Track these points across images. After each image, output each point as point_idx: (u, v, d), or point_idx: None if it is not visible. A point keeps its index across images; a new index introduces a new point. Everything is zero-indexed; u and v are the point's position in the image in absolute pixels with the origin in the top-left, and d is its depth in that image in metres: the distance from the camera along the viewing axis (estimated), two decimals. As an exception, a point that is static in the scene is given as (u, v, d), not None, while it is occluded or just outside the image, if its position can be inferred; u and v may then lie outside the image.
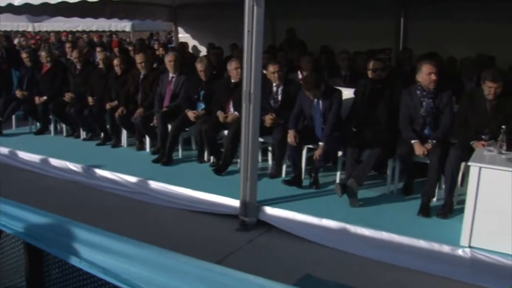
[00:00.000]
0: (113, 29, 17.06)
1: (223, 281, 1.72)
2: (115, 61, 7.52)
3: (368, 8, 9.30)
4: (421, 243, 4.28)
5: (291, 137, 5.51)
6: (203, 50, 10.92)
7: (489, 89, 4.85)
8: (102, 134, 7.57)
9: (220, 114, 6.23)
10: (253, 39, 4.54)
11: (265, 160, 6.47)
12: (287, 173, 5.90)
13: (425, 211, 4.88)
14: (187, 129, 6.70)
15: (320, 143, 5.49)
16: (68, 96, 7.72)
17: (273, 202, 5.05)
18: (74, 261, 1.96)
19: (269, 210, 4.93)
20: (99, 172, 6.16)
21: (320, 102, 5.62)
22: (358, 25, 9.39)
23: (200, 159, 6.55)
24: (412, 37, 9.69)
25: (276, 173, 5.93)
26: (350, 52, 7.87)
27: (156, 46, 11.77)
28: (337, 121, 5.60)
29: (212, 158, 6.40)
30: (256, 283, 1.72)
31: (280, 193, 5.33)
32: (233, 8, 4.98)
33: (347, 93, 5.88)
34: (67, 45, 10.01)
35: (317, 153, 5.47)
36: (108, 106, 7.28)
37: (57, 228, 2.00)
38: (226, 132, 6.12)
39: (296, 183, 5.61)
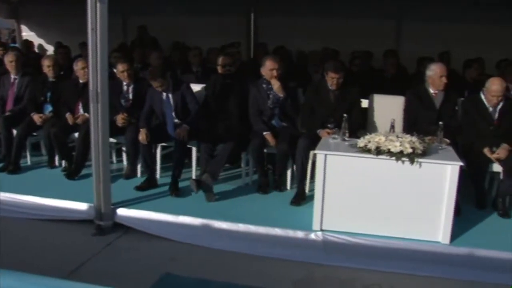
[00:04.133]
0: None
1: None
2: None
3: (219, 4, 9.43)
4: (277, 231, 4.43)
5: (142, 135, 5.40)
6: (50, 49, 10.37)
7: (331, 79, 5.17)
8: None
9: (69, 116, 5.96)
10: (97, 37, 4.38)
11: (120, 160, 6.31)
12: (142, 172, 5.78)
13: (298, 198, 5.05)
14: (34, 133, 6.29)
15: (184, 125, 5.42)
16: None
17: (129, 203, 4.94)
18: None
19: (125, 211, 4.81)
20: None
21: (170, 96, 5.59)
22: (210, 21, 9.52)
23: (50, 164, 6.20)
24: (263, 31, 10.01)
25: (131, 173, 5.80)
26: (203, 48, 7.93)
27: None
28: (198, 107, 5.63)
29: (63, 162, 6.09)
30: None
31: (136, 193, 5.23)
32: (79, 4, 4.76)
33: (199, 89, 5.93)
34: None
35: (182, 133, 5.34)
36: None
37: None
38: (76, 134, 5.85)
39: (150, 186, 5.47)
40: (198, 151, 5.52)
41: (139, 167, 5.82)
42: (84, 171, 5.77)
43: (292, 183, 5.41)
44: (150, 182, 5.49)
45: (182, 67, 7.57)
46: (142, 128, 5.46)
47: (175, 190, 5.29)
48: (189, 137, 5.39)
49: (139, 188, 5.41)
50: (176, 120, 5.60)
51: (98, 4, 4.30)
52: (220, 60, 5.73)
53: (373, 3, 9.04)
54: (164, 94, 5.58)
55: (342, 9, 9.06)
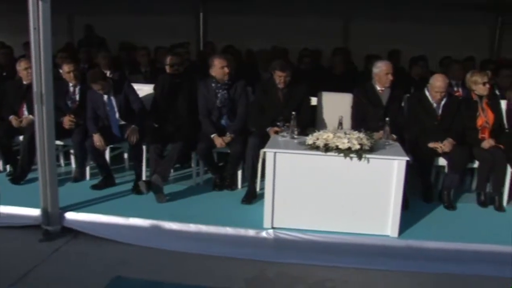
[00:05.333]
0: None
1: None
2: None
3: (167, 3, 9.35)
4: (228, 230, 4.44)
5: (98, 141, 5.28)
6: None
7: (279, 78, 5.23)
8: None
9: (13, 119, 5.76)
10: (40, 37, 4.26)
11: (68, 163, 6.17)
12: (92, 175, 5.68)
13: (249, 196, 5.07)
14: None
15: (133, 126, 5.34)
16: None
17: (78, 207, 4.82)
18: None
19: (73, 215, 4.70)
20: None
21: (112, 98, 5.49)
22: (159, 21, 9.44)
23: (-6, 169, 6.01)
24: (212, 30, 10.00)
25: (79, 176, 5.67)
26: (150, 48, 7.86)
27: None
28: (143, 106, 5.57)
29: (8, 167, 5.91)
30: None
31: (85, 197, 5.10)
32: (22, 2, 4.61)
33: (147, 89, 5.86)
34: None
35: (133, 137, 5.29)
36: None
37: None
38: (21, 137, 5.68)
39: (107, 185, 5.42)
40: (147, 152, 5.44)
41: (87, 169, 5.71)
42: (30, 175, 5.59)
43: (243, 182, 5.42)
44: (107, 181, 5.45)
45: (130, 67, 7.46)
46: (95, 134, 5.33)
47: (138, 187, 5.26)
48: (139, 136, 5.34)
49: (95, 186, 5.38)
50: (121, 122, 5.52)
51: (40, 3, 4.18)
52: (168, 59, 5.67)
53: (321, 2, 9.16)
54: (106, 96, 5.48)
55: (291, 8, 9.14)
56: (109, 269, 4.07)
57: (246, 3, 9.22)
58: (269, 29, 9.11)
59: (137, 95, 5.59)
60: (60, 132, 5.22)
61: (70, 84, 5.79)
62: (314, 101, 5.72)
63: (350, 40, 9.68)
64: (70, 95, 5.80)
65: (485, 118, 5.21)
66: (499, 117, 5.30)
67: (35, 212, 4.71)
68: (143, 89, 5.75)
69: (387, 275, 4.08)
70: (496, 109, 5.30)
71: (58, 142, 5.39)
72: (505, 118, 5.33)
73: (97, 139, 5.30)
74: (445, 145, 5.00)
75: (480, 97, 5.25)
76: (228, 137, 5.26)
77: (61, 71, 5.80)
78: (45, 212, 4.61)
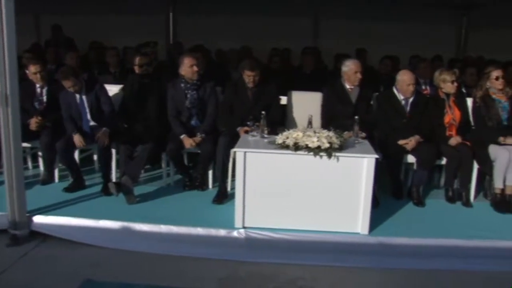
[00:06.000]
0: None
1: None
2: None
3: (137, 2, 9.28)
4: (199, 231, 4.43)
5: (79, 141, 5.26)
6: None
7: (248, 77, 5.24)
8: None
9: (-23, 121, 5.65)
10: (4, 37, 4.17)
11: (36, 166, 6.07)
12: (60, 177, 5.61)
13: (220, 196, 5.06)
14: None
15: (104, 128, 5.28)
16: None
17: (46, 210, 4.75)
18: None
19: (42, 218, 4.62)
20: None
21: (84, 97, 5.43)
22: (129, 20, 9.35)
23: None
24: (182, 30, 9.95)
25: (48, 179, 5.59)
26: (119, 48, 7.78)
27: None
28: (112, 108, 5.51)
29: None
30: None
31: (54, 199, 5.02)
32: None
33: (117, 89, 5.81)
34: None
35: (103, 139, 5.22)
36: None
37: None
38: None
39: (77, 187, 5.36)
40: (117, 153, 5.39)
41: (56, 171, 5.62)
42: (-3, 179, 5.49)
43: (213, 182, 5.42)
44: (78, 183, 5.38)
45: (99, 67, 7.36)
46: (74, 134, 5.29)
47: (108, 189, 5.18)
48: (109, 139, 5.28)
49: (67, 189, 5.29)
50: (91, 123, 5.46)
51: (3, 2, 4.09)
52: (137, 60, 5.61)
53: (290, 1, 9.20)
54: (78, 95, 5.41)
55: (261, 8, 9.15)
56: (80, 272, 4.01)
57: (216, 3, 9.21)
58: (239, 29, 9.11)
59: (108, 97, 5.53)
60: (28, 134, 5.16)
61: (37, 85, 5.69)
62: (284, 100, 5.74)
63: (320, 39, 9.75)
64: (37, 96, 5.71)
65: (452, 115, 5.30)
66: (466, 114, 5.40)
67: (1, 216, 4.60)
68: (113, 90, 5.69)
69: (358, 272, 4.11)
70: (463, 107, 5.40)
71: (25, 145, 5.32)
72: (471, 115, 5.42)
73: (77, 139, 5.27)
74: (411, 142, 5.07)
75: (447, 95, 5.33)
76: (198, 138, 5.25)
77: (27, 71, 5.69)
78: (11, 216, 4.52)
